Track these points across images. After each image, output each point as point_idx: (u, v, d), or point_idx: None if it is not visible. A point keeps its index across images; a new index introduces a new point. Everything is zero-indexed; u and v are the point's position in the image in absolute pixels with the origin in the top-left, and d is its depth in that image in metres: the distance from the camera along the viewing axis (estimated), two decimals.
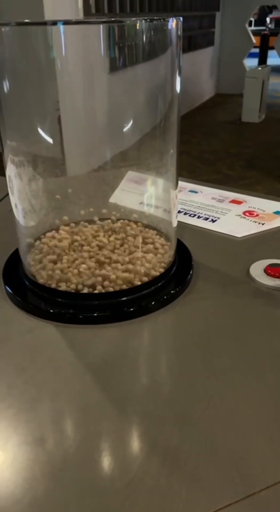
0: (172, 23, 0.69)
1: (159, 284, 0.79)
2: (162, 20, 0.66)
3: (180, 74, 0.77)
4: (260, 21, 12.28)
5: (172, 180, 0.86)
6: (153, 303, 0.76)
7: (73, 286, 0.76)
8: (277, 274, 0.85)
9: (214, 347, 0.69)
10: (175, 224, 0.87)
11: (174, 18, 0.68)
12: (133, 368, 0.66)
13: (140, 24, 0.65)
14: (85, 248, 0.83)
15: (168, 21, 0.67)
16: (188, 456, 0.52)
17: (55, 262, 0.80)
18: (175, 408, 0.58)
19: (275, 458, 0.52)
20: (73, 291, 0.76)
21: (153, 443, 0.54)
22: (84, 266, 0.78)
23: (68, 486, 0.49)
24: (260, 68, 6.51)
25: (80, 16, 3.99)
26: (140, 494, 0.48)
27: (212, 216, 1.13)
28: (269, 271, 0.86)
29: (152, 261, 0.81)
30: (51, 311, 0.75)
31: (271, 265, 0.87)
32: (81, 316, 0.74)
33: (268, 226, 1.06)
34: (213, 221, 1.10)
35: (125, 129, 0.88)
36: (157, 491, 0.48)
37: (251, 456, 0.52)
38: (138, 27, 0.66)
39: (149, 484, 0.49)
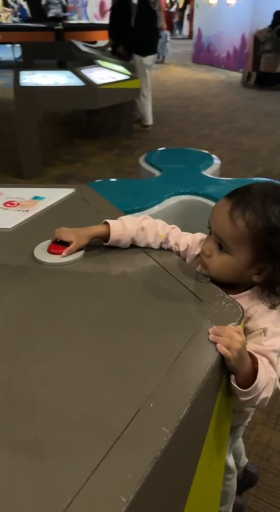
0: None
1: None
2: None
3: None
4: None
5: None
6: None
7: None
8: (57, 251, 0.89)
9: (21, 336, 0.69)
10: None
11: None
12: None
13: None
14: None
15: None
16: (52, 440, 0.52)
17: None
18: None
19: (122, 401, 0.58)
20: None
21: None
22: None
23: None
24: None
25: None
26: None
27: None
28: (52, 249, 0.90)
29: None
30: None
31: (54, 244, 0.91)
32: None
33: (33, 211, 1.09)
34: None
35: None
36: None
37: (102, 409, 0.56)
38: None
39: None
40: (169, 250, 0.92)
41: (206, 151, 2.77)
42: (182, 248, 0.90)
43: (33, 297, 0.79)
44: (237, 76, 8.24)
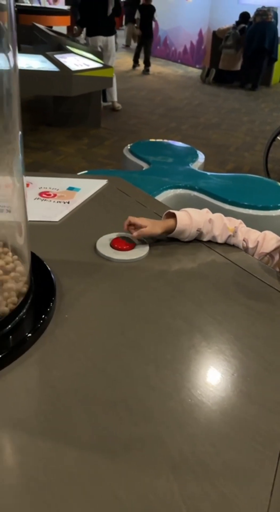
0: None
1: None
2: None
3: None
4: None
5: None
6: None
7: None
8: (125, 247, 0.83)
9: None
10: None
11: None
12: None
13: None
14: None
15: None
16: (212, 458, 0.48)
17: None
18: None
19: (266, 411, 0.54)
20: None
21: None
22: None
23: None
24: None
25: None
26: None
27: (5, 206, 0.98)
28: (118, 245, 0.83)
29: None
30: None
31: (116, 239, 0.85)
32: None
33: (74, 203, 1.01)
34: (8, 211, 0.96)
35: None
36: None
37: (249, 421, 0.52)
38: None
39: None
40: (234, 246, 0.89)
41: (189, 145, 2.77)
42: (251, 245, 0.87)
43: (117, 296, 0.73)
44: (194, 71, 8.31)
